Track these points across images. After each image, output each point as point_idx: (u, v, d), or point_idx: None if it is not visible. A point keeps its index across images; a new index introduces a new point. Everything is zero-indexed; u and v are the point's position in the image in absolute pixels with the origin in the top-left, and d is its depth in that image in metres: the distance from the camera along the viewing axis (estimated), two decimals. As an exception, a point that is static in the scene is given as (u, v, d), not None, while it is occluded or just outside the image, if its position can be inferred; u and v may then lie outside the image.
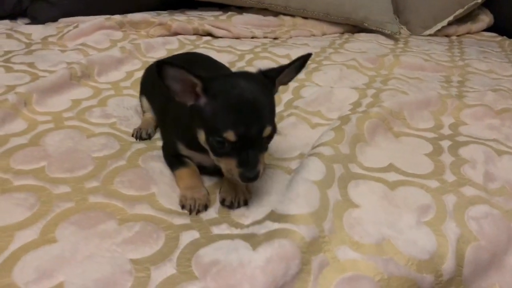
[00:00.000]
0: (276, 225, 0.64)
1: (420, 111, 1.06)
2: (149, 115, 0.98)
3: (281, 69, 0.75)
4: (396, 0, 2.03)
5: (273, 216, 0.67)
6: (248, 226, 0.67)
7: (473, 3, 1.97)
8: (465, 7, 1.96)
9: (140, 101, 1.02)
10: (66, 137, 0.87)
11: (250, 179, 0.67)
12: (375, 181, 0.80)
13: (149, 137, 0.92)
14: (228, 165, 0.69)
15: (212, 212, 0.71)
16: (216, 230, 0.67)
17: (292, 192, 0.70)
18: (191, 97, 0.70)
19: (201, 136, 0.71)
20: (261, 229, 0.64)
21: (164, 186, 0.76)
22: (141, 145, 0.88)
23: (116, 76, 1.20)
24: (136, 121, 0.97)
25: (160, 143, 0.89)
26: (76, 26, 1.48)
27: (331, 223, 0.67)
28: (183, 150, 0.79)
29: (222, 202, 0.73)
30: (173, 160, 0.81)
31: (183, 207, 0.71)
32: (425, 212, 0.74)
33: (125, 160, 0.82)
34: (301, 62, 0.76)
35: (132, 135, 0.91)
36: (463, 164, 0.87)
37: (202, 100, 0.69)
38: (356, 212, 0.71)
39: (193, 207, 0.70)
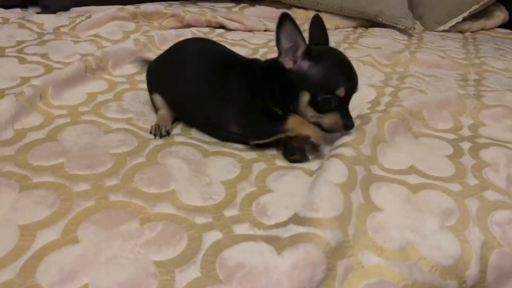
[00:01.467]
0: (300, 229, 0.63)
1: (439, 111, 1.05)
2: (164, 111, 0.95)
3: (324, 32, 0.88)
4: (411, -7, 2.01)
5: (297, 219, 0.66)
6: (271, 227, 0.66)
7: (488, -1, 1.94)
8: (481, 3, 1.93)
9: (152, 100, 0.98)
10: (83, 132, 0.86)
11: (352, 126, 0.82)
12: (397, 183, 0.79)
13: (167, 133, 0.90)
14: (332, 119, 0.81)
15: (234, 209, 0.70)
16: (238, 229, 0.66)
17: (316, 195, 0.69)
18: (289, 60, 0.79)
19: (304, 98, 0.80)
20: (285, 233, 0.64)
21: (183, 182, 0.75)
22: (159, 141, 0.87)
23: (131, 69, 1.19)
24: (153, 117, 0.96)
25: (179, 139, 0.88)
26: (89, 17, 1.46)
27: (355, 227, 0.67)
28: (278, 110, 0.83)
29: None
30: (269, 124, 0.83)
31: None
32: (448, 217, 0.73)
33: (144, 157, 0.81)
34: (318, 22, 0.89)
35: (150, 132, 0.90)
36: (485, 167, 0.86)
37: (304, 64, 0.79)
38: (379, 216, 0.70)
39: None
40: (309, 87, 0.79)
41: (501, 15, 2.09)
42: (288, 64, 0.80)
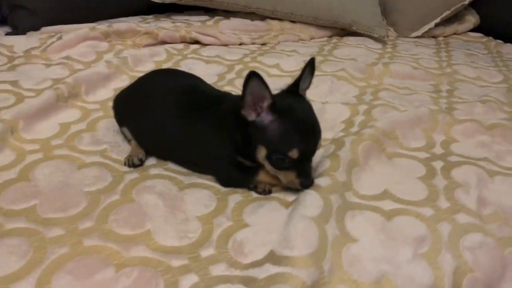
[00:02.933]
0: (276, 269, 0.64)
1: (412, 129, 1.07)
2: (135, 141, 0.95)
3: (298, 81, 0.81)
4: (383, 1, 2.03)
5: (273, 257, 0.66)
6: (247, 267, 0.67)
7: (459, 4, 1.97)
8: (452, 9, 1.97)
9: (122, 132, 0.97)
10: (56, 169, 0.85)
11: (309, 186, 0.78)
12: (371, 211, 0.80)
13: (141, 162, 0.90)
14: (288, 177, 0.79)
15: (210, 248, 0.71)
16: (215, 270, 0.66)
17: (290, 231, 0.69)
18: (252, 112, 0.76)
19: (261, 152, 0.78)
20: (262, 273, 0.64)
21: (158, 220, 0.75)
22: (133, 174, 0.86)
23: (104, 94, 1.17)
24: (127, 147, 0.95)
25: (153, 171, 0.88)
26: (60, 38, 1.43)
27: (331, 262, 0.68)
28: (245, 161, 0.82)
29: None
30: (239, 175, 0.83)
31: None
32: (421, 243, 0.74)
33: (119, 194, 0.80)
34: (310, 68, 0.81)
35: (124, 164, 0.89)
36: (456, 188, 0.88)
37: (266, 117, 0.76)
38: (354, 248, 0.71)
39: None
40: (266, 143, 0.77)
41: (472, 19, 2.13)
42: (251, 116, 0.77)
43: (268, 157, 0.77)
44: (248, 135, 0.78)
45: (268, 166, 0.80)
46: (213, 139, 0.83)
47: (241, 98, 0.75)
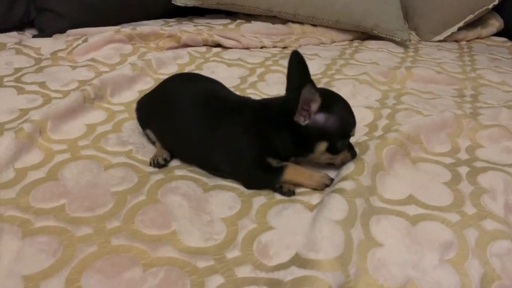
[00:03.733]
0: (302, 271, 0.64)
1: (436, 134, 1.05)
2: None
3: (306, 73, 0.85)
4: (405, 5, 2.01)
5: (298, 260, 0.66)
6: (272, 269, 0.67)
7: (483, 9, 1.95)
8: (476, 13, 1.94)
9: (146, 134, 0.99)
10: (84, 169, 0.87)
11: (356, 154, 0.89)
12: (396, 215, 0.79)
13: (165, 161, 0.91)
14: (343, 156, 0.87)
15: (235, 250, 0.71)
16: (240, 272, 0.67)
17: (316, 234, 0.69)
18: (303, 117, 0.80)
19: (321, 146, 0.84)
20: (287, 276, 0.64)
21: (184, 221, 0.76)
22: (159, 175, 0.87)
23: (129, 96, 1.19)
24: (152, 148, 0.97)
25: (178, 172, 0.89)
26: (85, 40, 1.46)
27: (356, 266, 0.67)
28: (273, 162, 0.85)
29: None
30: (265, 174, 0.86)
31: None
32: (448, 249, 0.73)
33: (145, 194, 0.81)
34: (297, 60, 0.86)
35: (150, 164, 0.91)
36: (483, 193, 0.86)
37: (320, 117, 0.81)
38: (379, 252, 0.71)
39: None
40: (327, 137, 0.83)
41: (496, 23, 2.10)
42: (303, 121, 0.81)
43: (330, 147, 0.84)
44: (298, 137, 0.83)
45: (325, 156, 0.86)
46: (240, 142, 0.85)
47: (294, 106, 0.79)
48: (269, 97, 1.18)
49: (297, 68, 0.86)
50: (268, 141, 0.84)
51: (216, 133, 0.86)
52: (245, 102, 0.92)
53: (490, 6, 1.95)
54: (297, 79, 0.85)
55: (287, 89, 0.89)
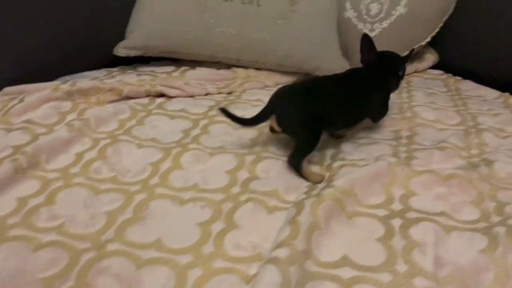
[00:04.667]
0: None
1: (371, 185, 1.08)
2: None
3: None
4: (345, 44, 2.08)
5: None
6: None
7: (417, 45, 2.04)
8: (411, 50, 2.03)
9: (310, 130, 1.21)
10: (11, 253, 0.83)
11: None
12: (331, 280, 0.81)
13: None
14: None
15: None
16: None
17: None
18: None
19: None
20: None
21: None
22: (89, 254, 0.85)
23: (65, 160, 1.16)
24: (84, 219, 0.94)
25: (111, 247, 0.86)
26: (22, 100, 1.42)
27: None
28: None
29: None
30: None
31: None
32: (379, 314, 0.75)
33: (74, 279, 0.79)
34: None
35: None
36: (414, 248, 0.89)
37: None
38: (312, 326, 0.71)
39: None
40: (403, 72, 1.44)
41: (431, 57, 2.20)
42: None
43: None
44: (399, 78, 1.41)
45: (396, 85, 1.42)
46: (379, 91, 1.36)
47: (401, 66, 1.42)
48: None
49: (369, 46, 1.35)
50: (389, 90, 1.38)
51: (366, 99, 1.32)
52: (366, 72, 1.38)
53: (423, 43, 2.05)
54: (371, 52, 1.36)
55: (363, 60, 1.38)
